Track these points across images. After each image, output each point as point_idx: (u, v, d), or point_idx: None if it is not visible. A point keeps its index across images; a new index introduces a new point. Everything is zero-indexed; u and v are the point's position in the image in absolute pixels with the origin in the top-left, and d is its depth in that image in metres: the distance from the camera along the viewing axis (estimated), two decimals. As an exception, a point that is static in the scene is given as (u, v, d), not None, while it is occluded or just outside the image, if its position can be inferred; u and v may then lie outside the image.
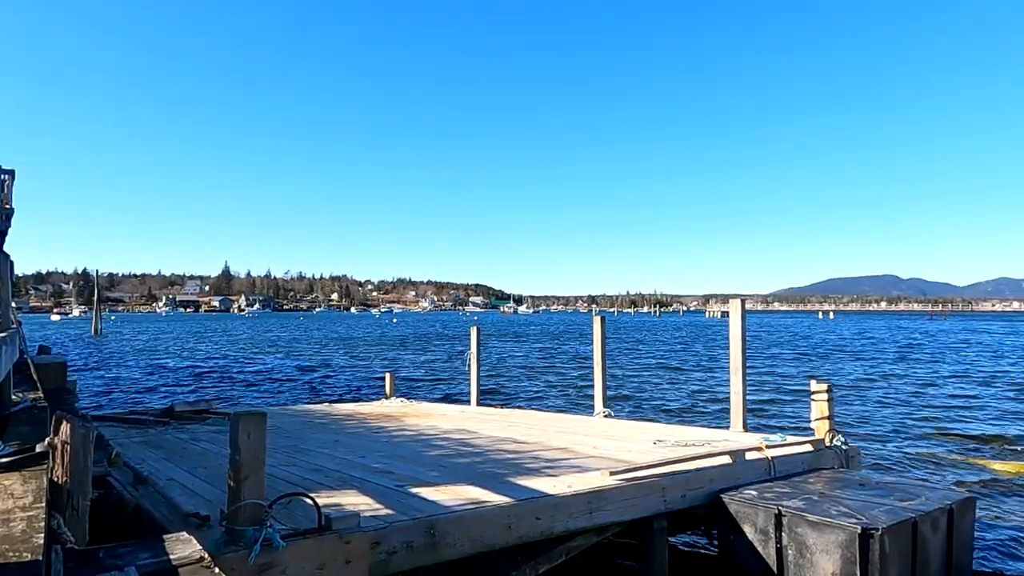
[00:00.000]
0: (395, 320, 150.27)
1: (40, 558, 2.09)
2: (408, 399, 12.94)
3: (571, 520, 4.77)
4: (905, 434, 13.21)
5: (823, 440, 6.76)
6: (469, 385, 12.17)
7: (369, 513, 4.21)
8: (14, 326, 9.41)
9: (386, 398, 12.80)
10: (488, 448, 6.93)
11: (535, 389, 22.12)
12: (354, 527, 3.86)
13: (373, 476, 5.48)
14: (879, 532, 4.54)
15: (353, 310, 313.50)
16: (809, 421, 7.17)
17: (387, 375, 13.68)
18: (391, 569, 3.96)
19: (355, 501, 4.57)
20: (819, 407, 6.98)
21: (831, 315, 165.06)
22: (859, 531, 4.56)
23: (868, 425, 14.20)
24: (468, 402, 12.15)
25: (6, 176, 13.49)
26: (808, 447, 6.62)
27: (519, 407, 13.63)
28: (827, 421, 6.88)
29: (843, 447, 6.77)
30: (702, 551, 6.68)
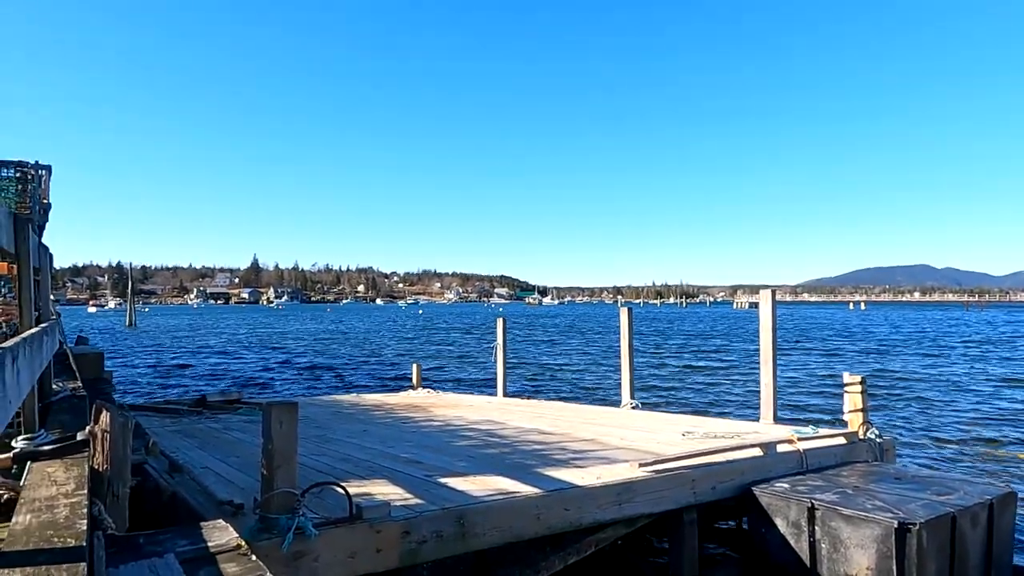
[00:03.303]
0: (421, 312, 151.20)
1: (83, 543, 2.14)
2: (435, 389, 13.01)
3: (600, 511, 4.76)
4: (943, 428, 12.92)
5: (856, 433, 6.63)
6: (495, 376, 12.20)
7: (399, 502, 4.24)
8: (54, 317, 9.65)
9: (413, 388, 12.89)
10: (516, 439, 6.94)
11: (561, 380, 22.09)
12: (385, 516, 3.89)
13: (402, 466, 5.51)
14: (916, 527, 4.44)
15: (379, 302, 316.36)
16: (842, 414, 7.05)
17: (414, 365, 13.77)
18: (421, 558, 3.99)
19: (385, 491, 4.60)
20: (852, 399, 6.85)
21: (863, 306, 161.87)
22: (895, 525, 4.46)
23: (904, 418, 13.92)
24: (495, 393, 12.17)
25: (44, 172, 13.80)
26: (841, 440, 6.51)
27: (546, 398, 13.64)
28: (861, 413, 6.74)
29: (877, 440, 6.64)
30: (733, 544, 6.61)
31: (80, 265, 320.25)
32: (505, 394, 11.91)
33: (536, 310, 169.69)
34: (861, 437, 6.62)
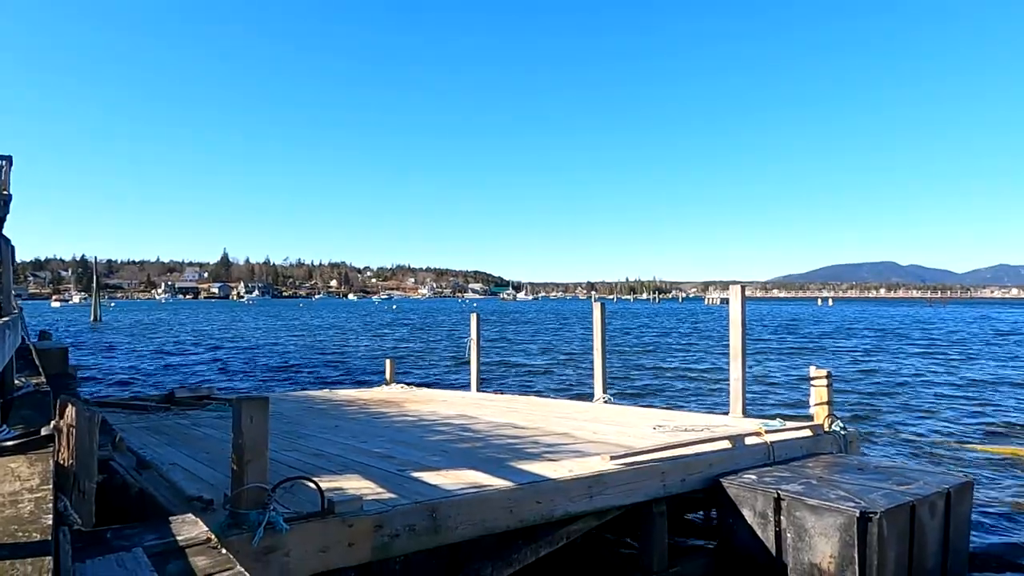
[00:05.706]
0: (394, 307, 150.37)
1: (49, 539, 2.11)
2: (408, 385, 12.98)
3: (571, 504, 4.81)
4: (905, 420, 13.28)
5: (822, 425, 6.80)
6: (469, 371, 12.21)
7: (371, 497, 4.24)
8: (15, 312, 9.41)
9: (387, 384, 12.84)
10: (489, 433, 6.97)
11: (535, 375, 22.19)
12: (357, 511, 3.88)
13: (375, 461, 5.51)
14: (877, 516, 4.58)
15: (352, 297, 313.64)
16: (808, 407, 7.21)
17: (387, 361, 13.72)
18: (393, 552, 4.00)
19: (357, 485, 4.60)
20: (818, 393, 7.01)
21: (830, 302, 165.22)
22: (857, 515, 4.59)
23: (867, 410, 14.27)
24: (468, 388, 12.19)
25: (3, 162, 13.41)
26: (807, 432, 6.66)
27: (519, 393, 13.69)
28: (826, 406, 6.91)
29: (842, 432, 6.81)
30: (701, 535, 6.73)
31: (43, 259, 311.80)
32: (479, 389, 11.93)
33: (510, 305, 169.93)
34: (826, 429, 6.79)
